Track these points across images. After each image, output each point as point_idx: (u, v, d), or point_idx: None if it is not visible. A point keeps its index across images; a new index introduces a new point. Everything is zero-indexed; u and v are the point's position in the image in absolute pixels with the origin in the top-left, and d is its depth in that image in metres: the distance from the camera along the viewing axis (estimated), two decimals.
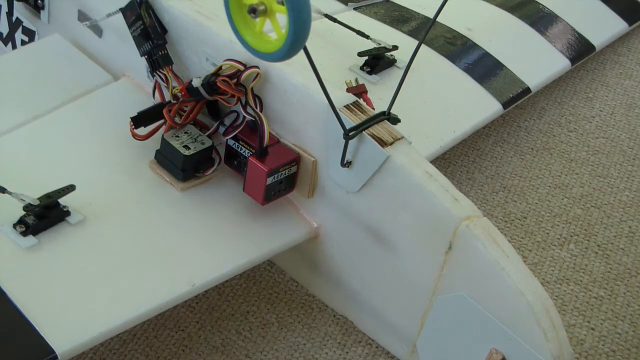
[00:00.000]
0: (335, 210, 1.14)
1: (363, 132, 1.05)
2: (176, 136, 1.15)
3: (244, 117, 1.13)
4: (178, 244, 1.10)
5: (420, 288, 1.07)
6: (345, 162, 1.07)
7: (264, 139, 1.11)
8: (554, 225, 1.41)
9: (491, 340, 1.00)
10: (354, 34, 1.39)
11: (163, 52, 1.20)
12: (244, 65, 1.12)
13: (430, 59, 1.45)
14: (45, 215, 1.05)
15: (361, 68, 1.37)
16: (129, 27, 1.21)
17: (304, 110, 1.11)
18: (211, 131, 1.17)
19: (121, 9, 1.22)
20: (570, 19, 1.67)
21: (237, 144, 1.15)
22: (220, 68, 1.13)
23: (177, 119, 1.17)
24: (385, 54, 1.39)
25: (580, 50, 1.63)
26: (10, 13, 1.49)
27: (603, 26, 1.74)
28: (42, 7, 1.41)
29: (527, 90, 1.49)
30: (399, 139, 1.06)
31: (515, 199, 1.45)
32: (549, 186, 1.49)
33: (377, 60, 1.38)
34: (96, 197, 1.11)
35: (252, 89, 1.12)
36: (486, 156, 1.53)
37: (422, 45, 1.10)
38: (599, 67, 1.77)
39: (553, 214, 1.43)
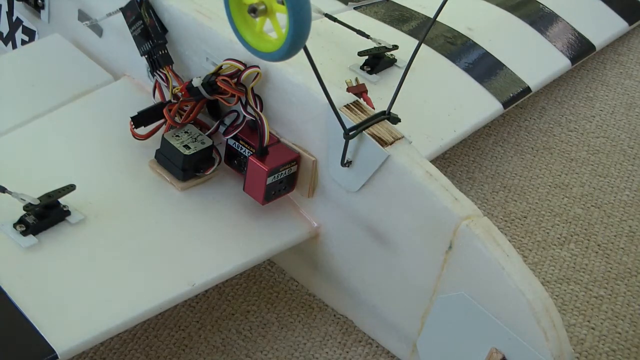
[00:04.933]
0: (336, 210, 1.14)
1: (363, 131, 1.05)
2: (176, 136, 1.15)
3: (244, 116, 1.13)
4: (178, 244, 1.10)
5: (421, 287, 1.07)
6: (345, 161, 1.07)
7: (264, 138, 1.11)
8: (554, 225, 1.41)
9: (491, 339, 1.00)
10: (354, 33, 1.39)
11: (163, 52, 1.20)
12: (244, 64, 1.12)
13: (430, 59, 1.45)
14: (45, 215, 1.05)
15: (361, 67, 1.37)
16: (129, 26, 1.21)
17: (304, 110, 1.11)
18: (211, 131, 1.17)
19: (121, 9, 1.22)
20: (571, 18, 1.67)
21: (237, 143, 1.15)
22: (220, 67, 1.13)
23: (177, 119, 1.17)
24: (386, 53, 1.39)
25: (580, 49, 1.63)
26: (10, 13, 1.49)
27: (603, 26, 1.74)
28: (42, 7, 1.41)
29: (528, 89, 1.49)
30: (399, 139, 1.06)
31: (516, 199, 1.45)
32: (549, 186, 1.49)
33: (377, 60, 1.38)
34: (96, 196, 1.11)
35: (252, 88, 1.12)
36: (486, 156, 1.53)
37: (422, 44, 1.10)
38: (599, 66, 1.77)
39: (553, 214, 1.43)
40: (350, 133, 1.05)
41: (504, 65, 1.50)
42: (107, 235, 1.08)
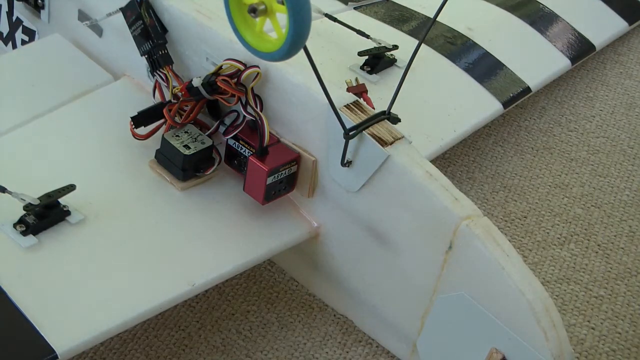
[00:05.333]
0: (336, 210, 1.14)
1: (363, 131, 1.05)
2: (176, 136, 1.15)
3: (244, 116, 1.13)
4: (178, 244, 1.10)
5: (421, 287, 1.07)
6: (345, 161, 1.07)
7: (264, 138, 1.11)
8: (554, 225, 1.41)
9: (491, 339, 1.00)
10: (354, 33, 1.39)
11: (163, 52, 1.20)
12: (244, 64, 1.12)
13: (430, 59, 1.45)
14: (45, 215, 1.05)
15: (361, 67, 1.37)
16: (129, 26, 1.21)
17: (304, 110, 1.11)
18: (211, 131, 1.17)
19: (121, 9, 1.22)
20: (571, 18, 1.67)
21: (237, 143, 1.15)
22: (220, 67, 1.13)
23: (177, 119, 1.17)
24: (386, 53, 1.39)
25: (580, 49, 1.63)
26: (10, 13, 1.49)
27: (603, 26, 1.74)
28: (43, 7, 1.41)
29: (528, 89, 1.49)
30: (399, 139, 1.06)
31: (516, 199, 1.45)
32: (549, 185, 1.49)
33: (377, 60, 1.38)
34: (96, 196, 1.11)
35: (252, 88, 1.12)
36: (486, 155, 1.53)
37: (422, 44, 1.10)
38: (599, 66, 1.77)
39: (553, 214, 1.43)
40: (350, 133, 1.05)
41: (504, 65, 1.50)
42: (107, 235, 1.08)
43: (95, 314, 1.00)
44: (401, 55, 1.39)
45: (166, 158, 1.16)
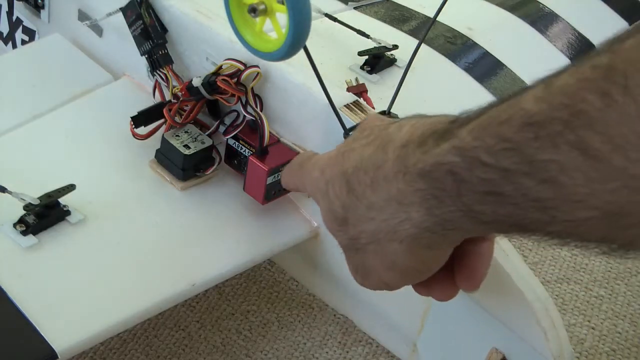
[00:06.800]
0: None
1: None
2: (176, 135, 1.15)
3: (244, 116, 1.13)
4: (178, 243, 1.10)
5: None
6: None
7: (264, 138, 1.11)
8: None
9: (491, 339, 1.00)
10: (354, 33, 1.39)
11: (163, 52, 1.20)
12: (244, 64, 1.11)
13: (430, 58, 1.45)
14: (45, 215, 1.05)
15: (361, 67, 1.37)
16: (129, 26, 1.21)
17: (304, 110, 1.11)
18: (211, 130, 1.17)
19: (121, 9, 1.22)
20: (571, 18, 1.67)
21: (237, 143, 1.15)
22: (220, 67, 1.13)
23: (177, 119, 1.17)
24: (386, 53, 1.39)
25: (580, 49, 1.63)
26: (10, 12, 1.49)
27: (603, 25, 1.73)
28: (43, 7, 1.41)
29: None
30: None
31: None
32: None
33: (377, 60, 1.38)
34: (96, 196, 1.11)
35: (252, 88, 1.12)
36: None
37: (423, 44, 1.10)
38: None
39: None
40: (350, 133, 1.05)
41: (504, 65, 1.50)
42: (107, 234, 1.08)
43: (95, 313, 1.00)
44: (401, 55, 1.39)
45: (166, 158, 1.15)
